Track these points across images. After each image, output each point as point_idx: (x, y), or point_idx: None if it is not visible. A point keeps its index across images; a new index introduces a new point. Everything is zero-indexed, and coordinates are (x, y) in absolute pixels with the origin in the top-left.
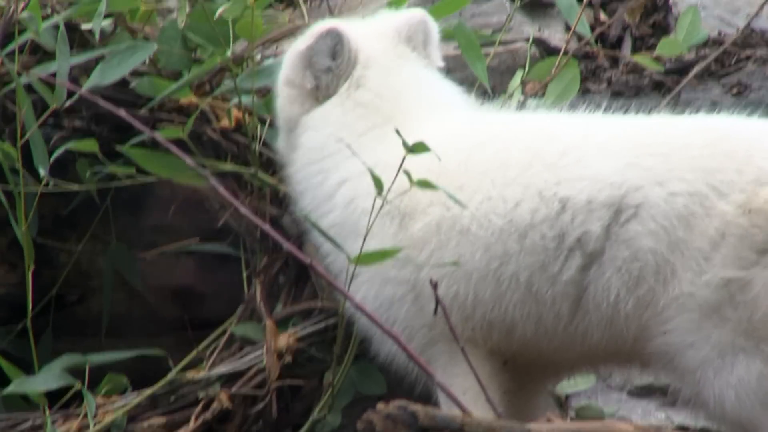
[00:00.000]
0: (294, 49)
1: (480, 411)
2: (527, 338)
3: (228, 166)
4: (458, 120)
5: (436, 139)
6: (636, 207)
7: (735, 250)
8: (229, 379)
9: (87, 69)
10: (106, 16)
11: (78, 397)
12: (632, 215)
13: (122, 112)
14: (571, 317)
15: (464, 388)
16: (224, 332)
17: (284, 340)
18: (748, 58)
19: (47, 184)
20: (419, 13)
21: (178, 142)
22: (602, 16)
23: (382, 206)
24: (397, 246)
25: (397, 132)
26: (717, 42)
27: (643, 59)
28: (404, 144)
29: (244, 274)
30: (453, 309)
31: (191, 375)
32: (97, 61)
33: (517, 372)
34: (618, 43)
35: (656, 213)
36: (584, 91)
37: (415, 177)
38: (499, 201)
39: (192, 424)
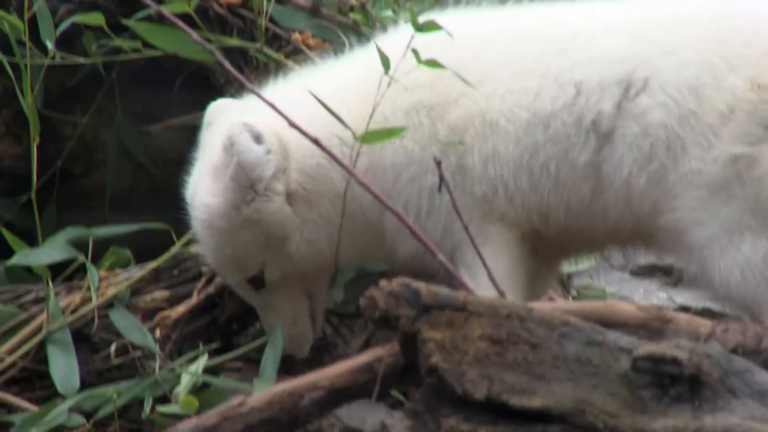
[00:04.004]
0: (218, 188)
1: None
2: (561, 222)
3: (234, 41)
4: (460, 18)
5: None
6: (645, 79)
7: (743, 125)
8: None
9: None
10: None
11: (81, 270)
12: (642, 88)
13: None
14: (591, 198)
15: (486, 269)
16: None
17: None
18: None
19: (53, 57)
20: None
21: (184, 17)
22: None
23: (389, 84)
24: (434, 137)
25: (411, 11)
26: None
27: None
28: (413, 23)
29: None
30: (499, 191)
31: (195, 249)
32: None
33: (547, 254)
34: None
35: (666, 83)
36: None
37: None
38: (520, 93)
39: (194, 298)
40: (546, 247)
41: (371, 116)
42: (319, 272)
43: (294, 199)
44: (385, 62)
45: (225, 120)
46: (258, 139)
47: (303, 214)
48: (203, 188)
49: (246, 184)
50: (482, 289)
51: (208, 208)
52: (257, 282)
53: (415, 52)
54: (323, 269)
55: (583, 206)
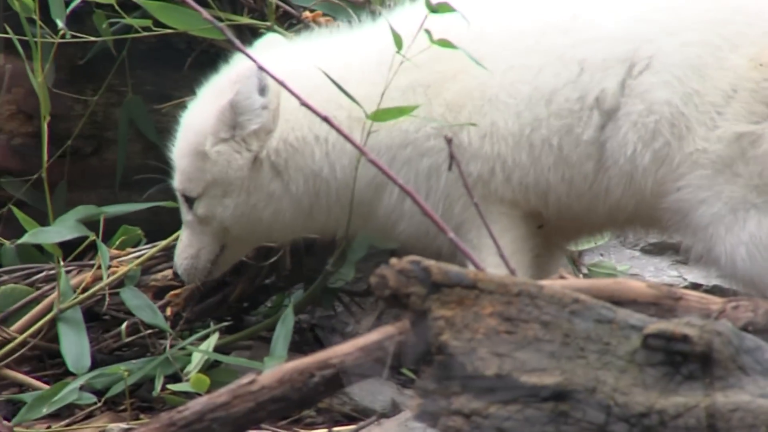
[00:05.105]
0: (209, 108)
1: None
2: (561, 200)
3: (244, 20)
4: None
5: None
6: (649, 58)
7: (747, 104)
8: None
9: None
10: None
11: (92, 249)
12: (645, 67)
13: None
14: (594, 176)
15: (496, 248)
16: None
17: None
18: None
19: (64, 36)
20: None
21: None
22: None
23: (402, 63)
24: (429, 116)
25: None
26: None
27: None
28: (427, 3)
29: None
30: (495, 170)
31: None
32: None
33: (548, 236)
34: None
35: (669, 62)
36: None
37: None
38: (522, 69)
39: None
40: (550, 227)
41: (382, 95)
42: (242, 237)
43: (262, 165)
44: (398, 41)
45: (263, 55)
46: (263, 91)
47: (262, 182)
48: (201, 100)
49: (228, 123)
50: (487, 269)
51: (189, 118)
52: (189, 202)
53: (427, 32)
54: (248, 237)
55: (585, 184)
